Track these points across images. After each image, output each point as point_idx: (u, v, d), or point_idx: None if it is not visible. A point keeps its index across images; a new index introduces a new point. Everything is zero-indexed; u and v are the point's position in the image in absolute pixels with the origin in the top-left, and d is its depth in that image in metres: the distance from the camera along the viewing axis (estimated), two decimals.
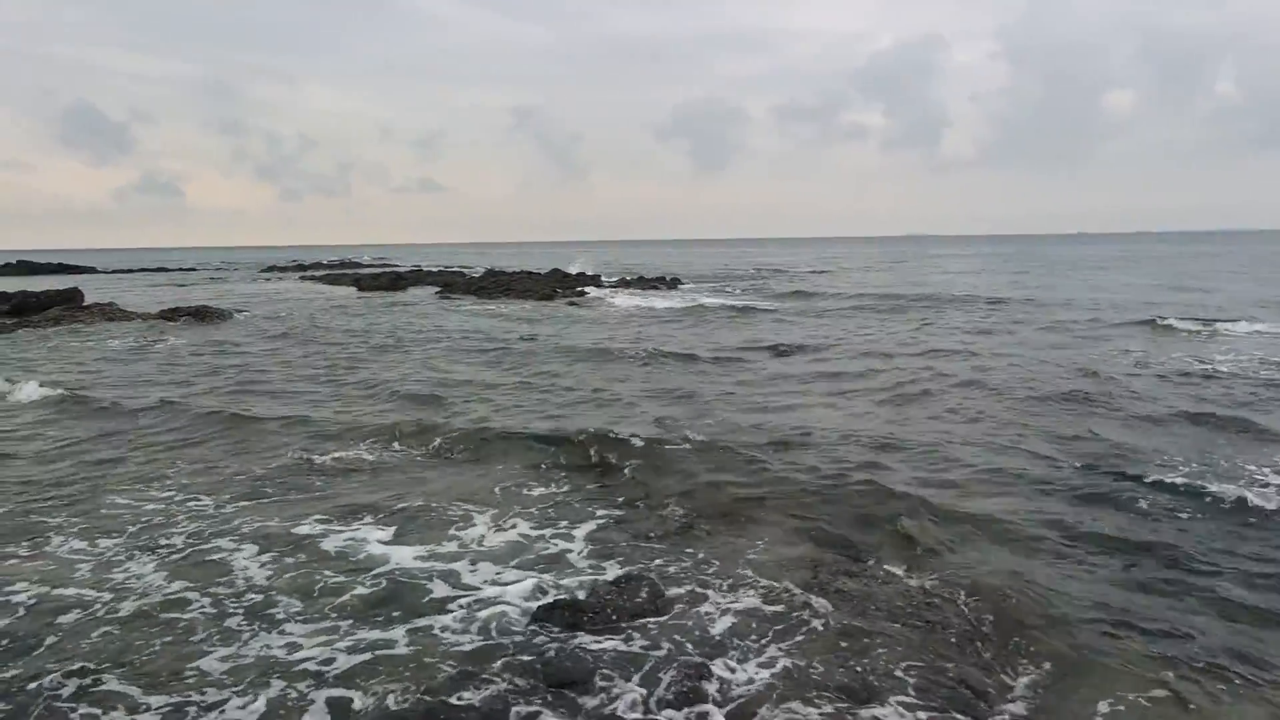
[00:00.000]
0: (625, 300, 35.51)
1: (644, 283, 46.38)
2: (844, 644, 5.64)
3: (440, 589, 6.69)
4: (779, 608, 6.19)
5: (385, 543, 7.68)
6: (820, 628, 5.88)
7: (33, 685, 5.26)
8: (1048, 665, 5.34)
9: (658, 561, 7.15)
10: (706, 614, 6.12)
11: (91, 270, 79.68)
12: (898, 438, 10.63)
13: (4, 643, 5.81)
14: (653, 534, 7.82)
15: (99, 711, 4.99)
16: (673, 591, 6.51)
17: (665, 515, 8.24)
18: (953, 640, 5.63)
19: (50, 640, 5.84)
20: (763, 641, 5.72)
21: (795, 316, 27.93)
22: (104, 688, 5.23)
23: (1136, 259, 72.71)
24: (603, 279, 48.16)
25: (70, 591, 6.63)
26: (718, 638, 5.79)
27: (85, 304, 31.88)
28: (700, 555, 7.24)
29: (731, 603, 6.30)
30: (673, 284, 46.82)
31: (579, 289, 42.20)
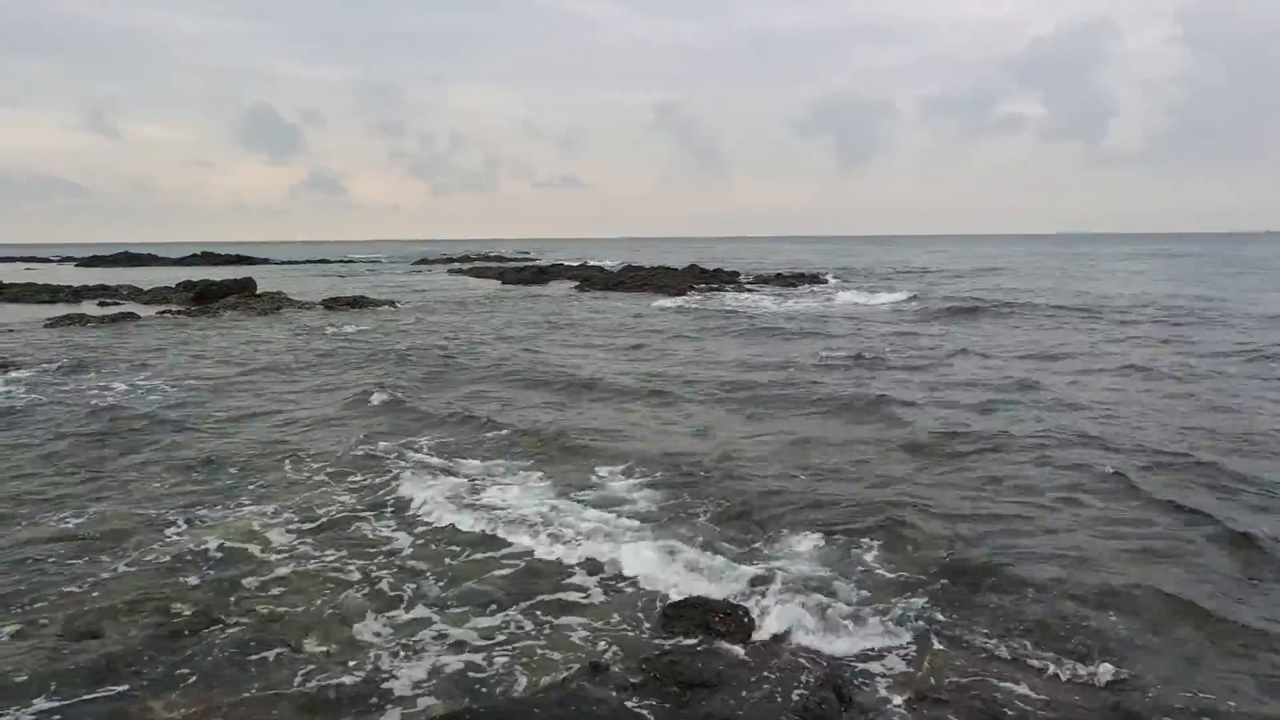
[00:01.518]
0: (758, 300, 35.16)
1: (782, 280, 45.81)
2: (987, 669, 5.39)
3: (578, 576, 6.88)
4: (916, 627, 5.97)
5: (534, 524, 8.01)
6: (960, 650, 5.63)
7: (215, 628, 5.79)
8: None
9: (794, 568, 7.04)
10: (843, 624, 5.98)
11: (265, 261, 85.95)
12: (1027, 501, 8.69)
13: (192, 592, 6.42)
14: (789, 541, 7.70)
15: (266, 659, 5.41)
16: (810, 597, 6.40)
17: (802, 524, 8.10)
18: (1101, 682, 5.26)
19: (233, 596, 6.42)
20: (898, 658, 5.55)
21: (928, 322, 26.65)
22: (271, 650, 5.67)
23: None
24: (741, 276, 47.91)
25: (253, 549, 7.33)
26: (852, 650, 5.65)
27: (258, 293, 34.48)
28: (836, 567, 7.08)
29: (868, 615, 6.13)
30: (813, 280, 46.05)
31: (715, 286, 42.16)
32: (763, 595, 6.26)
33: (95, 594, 6.50)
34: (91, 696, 5.10)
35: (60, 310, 30.48)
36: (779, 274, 49.36)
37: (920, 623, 5.96)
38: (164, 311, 29.68)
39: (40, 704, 5.01)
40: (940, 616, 6.07)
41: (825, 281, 46.66)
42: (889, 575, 6.80)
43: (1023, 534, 7.62)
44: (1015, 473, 9.47)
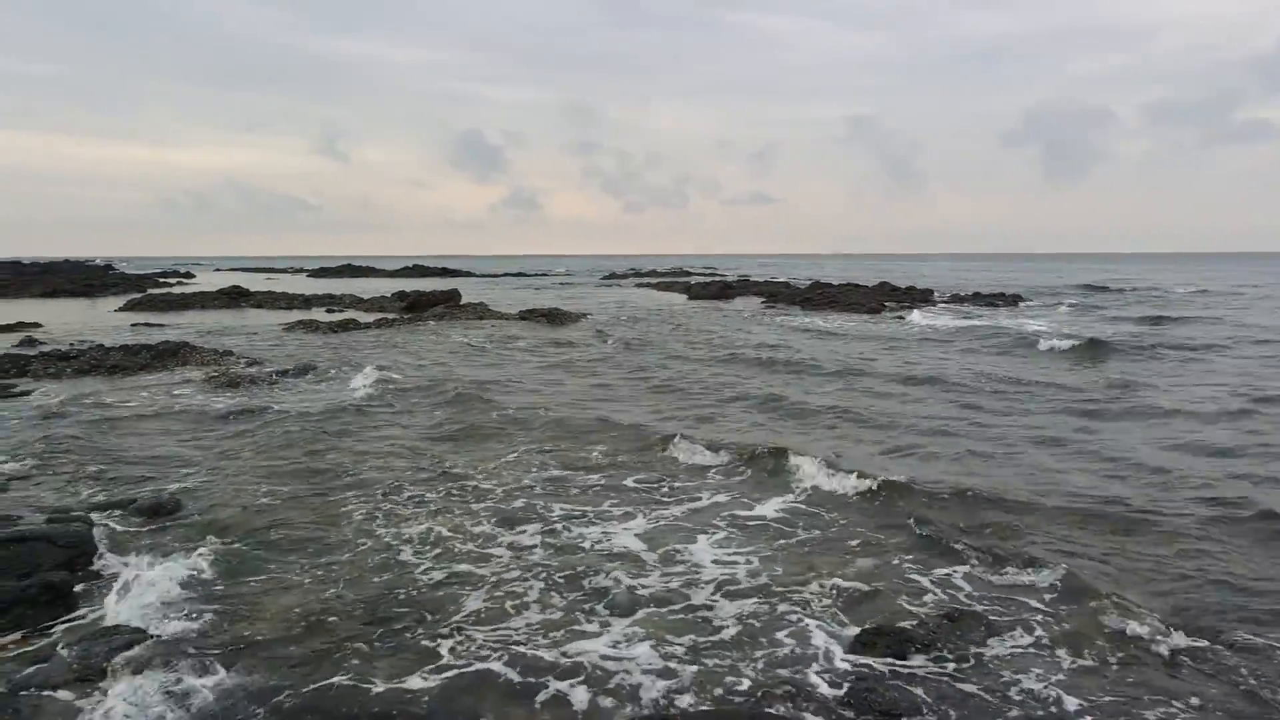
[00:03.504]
0: (950, 321, 33.49)
1: (980, 300, 43.49)
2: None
3: (756, 598, 6.82)
4: (1129, 670, 5.48)
5: (715, 545, 8.01)
6: (1192, 706, 5.10)
7: (418, 608, 6.22)
8: None
9: (991, 598, 6.66)
10: (1048, 663, 5.59)
11: (468, 274, 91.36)
12: None
13: (386, 572, 6.95)
14: (988, 571, 7.29)
15: (464, 648, 5.77)
16: (1009, 633, 6.04)
17: (1000, 553, 7.64)
18: None
19: (435, 585, 6.88)
20: (1108, 705, 5.10)
21: (1152, 362, 24.26)
22: (471, 639, 6.04)
23: None
24: (934, 294, 45.93)
25: (455, 540, 7.77)
26: (1059, 694, 5.25)
27: (462, 303, 36.80)
28: (1041, 600, 6.62)
29: (1079, 655, 5.69)
30: (1013, 301, 43.39)
31: (907, 304, 40.64)
32: (955, 626, 5.97)
33: (313, 576, 7.18)
34: (310, 674, 5.64)
35: (295, 316, 33.93)
36: (976, 293, 46.88)
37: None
38: (381, 319, 32.28)
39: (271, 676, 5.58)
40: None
41: (1027, 302, 43.81)
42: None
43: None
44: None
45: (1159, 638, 5.90)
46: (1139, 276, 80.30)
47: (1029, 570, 7.12)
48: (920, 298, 44.16)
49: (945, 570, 7.27)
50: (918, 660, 5.61)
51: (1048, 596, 6.66)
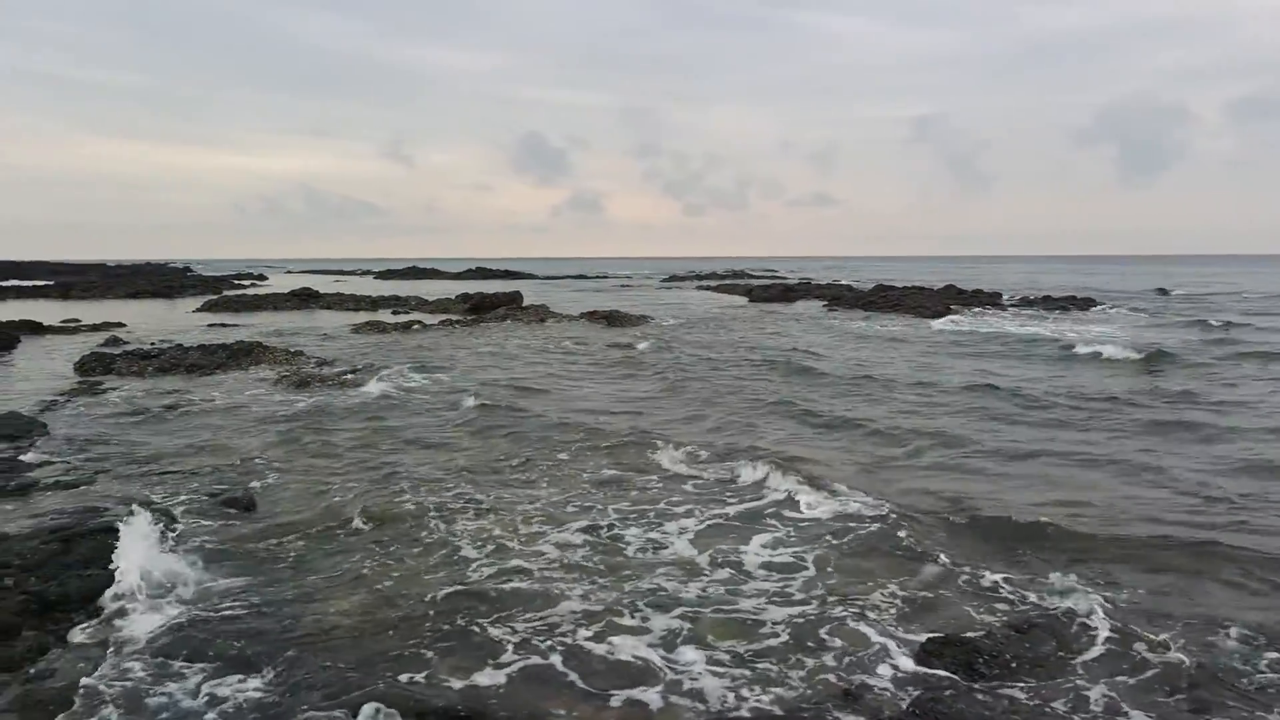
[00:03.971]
0: (1013, 326, 32.64)
1: (1050, 303, 42.33)
2: None
3: (815, 607, 6.75)
4: (1205, 689, 5.27)
5: (765, 548, 7.98)
6: None
7: (462, 588, 6.31)
8: None
9: (1060, 613, 6.48)
10: (1121, 679, 5.42)
11: (531, 276, 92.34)
12: None
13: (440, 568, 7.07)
14: (1056, 587, 7.10)
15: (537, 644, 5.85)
16: (1079, 647, 5.87)
17: (1068, 569, 7.44)
18: None
19: (493, 583, 6.98)
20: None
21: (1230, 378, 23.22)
22: (544, 636, 6.11)
23: None
24: (1003, 297, 44.89)
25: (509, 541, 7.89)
26: (1132, 710, 5.08)
27: (524, 305, 37.26)
28: (1113, 616, 6.41)
29: (1152, 673, 5.50)
30: (1084, 305, 42.13)
31: (975, 307, 39.80)
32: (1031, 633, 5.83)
33: (377, 572, 7.35)
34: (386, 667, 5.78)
35: (362, 317, 34.77)
36: (1047, 296, 45.63)
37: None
38: (445, 320, 32.88)
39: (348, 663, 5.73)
40: None
41: (1100, 306, 42.47)
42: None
43: None
44: None
45: (1236, 659, 5.69)
46: (1218, 279, 77.23)
47: (1100, 587, 6.92)
48: (987, 300, 43.18)
49: (1010, 583, 7.09)
50: (985, 672, 5.49)
51: (1119, 613, 6.43)
